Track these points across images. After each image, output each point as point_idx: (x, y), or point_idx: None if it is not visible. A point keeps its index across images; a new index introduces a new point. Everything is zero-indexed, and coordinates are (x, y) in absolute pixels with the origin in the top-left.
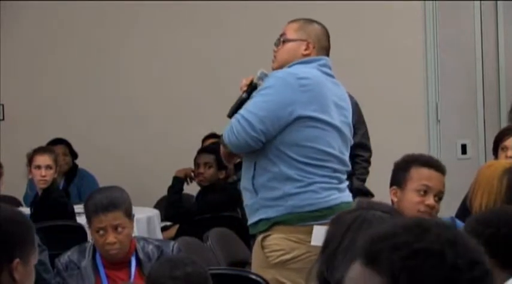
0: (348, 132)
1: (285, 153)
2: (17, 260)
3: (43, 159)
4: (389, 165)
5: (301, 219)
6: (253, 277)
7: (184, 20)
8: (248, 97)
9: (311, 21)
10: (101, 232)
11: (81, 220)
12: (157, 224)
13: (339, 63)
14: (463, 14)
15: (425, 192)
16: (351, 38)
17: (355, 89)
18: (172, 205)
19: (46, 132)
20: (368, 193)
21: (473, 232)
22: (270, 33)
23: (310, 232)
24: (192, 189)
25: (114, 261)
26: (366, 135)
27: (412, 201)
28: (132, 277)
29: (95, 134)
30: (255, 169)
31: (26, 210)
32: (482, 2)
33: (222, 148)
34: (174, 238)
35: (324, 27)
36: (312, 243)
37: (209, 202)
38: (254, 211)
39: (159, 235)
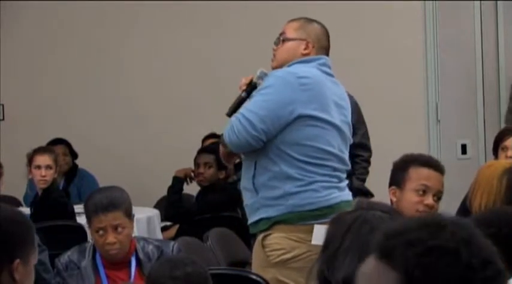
0: (347, 131)
1: (285, 152)
2: (18, 260)
3: (43, 159)
4: (389, 165)
5: (302, 218)
6: (253, 277)
7: (184, 20)
8: (247, 97)
9: (311, 20)
10: (101, 232)
11: (81, 220)
12: (157, 224)
13: (339, 63)
14: (463, 14)
15: (424, 192)
16: (351, 38)
17: (355, 89)
18: (172, 205)
19: (46, 132)
20: (368, 193)
21: None
22: (269, 33)
23: (310, 231)
24: (192, 189)
25: (114, 261)
26: (365, 135)
27: (411, 201)
28: (132, 277)
29: (95, 134)
30: (255, 169)
31: (26, 210)
32: (482, 2)
33: (221, 148)
34: (174, 238)
35: (323, 26)
36: (313, 242)
37: (209, 202)
38: (254, 211)
39: (159, 235)
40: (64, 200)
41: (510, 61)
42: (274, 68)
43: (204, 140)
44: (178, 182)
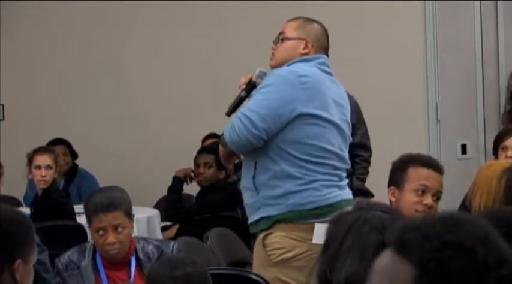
0: (347, 129)
1: (286, 151)
2: (19, 261)
3: (43, 159)
4: (389, 165)
5: (302, 217)
6: (254, 277)
7: (184, 20)
8: (247, 96)
9: (310, 20)
10: (101, 232)
11: (81, 220)
12: (157, 224)
13: (339, 63)
14: (463, 14)
15: (424, 192)
16: (351, 38)
17: (355, 89)
18: (172, 205)
19: (46, 132)
20: (368, 193)
21: None
22: (269, 33)
23: (311, 230)
24: (192, 189)
25: (114, 261)
26: (365, 134)
27: (410, 201)
28: (132, 277)
29: (95, 134)
30: (255, 168)
31: (26, 210)
32: (482, 2)
33: (221, 148)
34: (174, 238)
35: (323, 26)
36: (313, 241)
37: (209, 202)
38: (255, 210)
39: (159, 235)
40: (64, 200)
41: (510, 61)
42: (273, 67)
43: (204, 140)
44: (178, 182)
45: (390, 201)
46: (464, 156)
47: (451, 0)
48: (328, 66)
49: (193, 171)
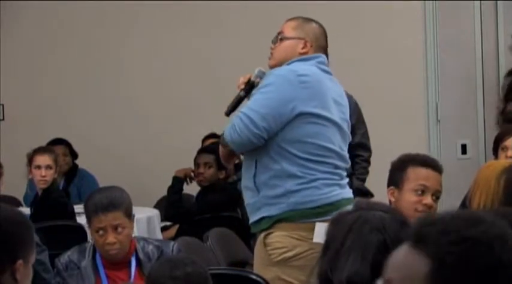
0: (346, 128)
1: (286, 150)
2: (20, 261)
3: (43, 159)
4: (389, 165)
5: (303, 216)
6: (254, 277)
7: (184, 20)
8: (246, 96)
9: (309, 20)
10: (101, 232)
11: (81, 220)
12: (157, 224)
13: (339, 63)
14: (463, 14)
15: (423, 192)
16: (351, 38)
17: (355, 89)
18: (172, 205)
19: (46, 132)
20: (368, 193)
21: None
22: (269, 33)
23: (312, 229)
24: (192, 189)
25: (114, 261)
26: (365, 134)
27: (409, 201)
28: (132, 277)
29: (95, 134)
30: (256, 168)
31: (26, 210)
32: (482, 2)
33: (221, 148)
34: (174, 238)
35: (322, 26)
36: (314, 240)
37: (209, 202)
38: (256, 210)
39: (159, 235)
40: (64, 200)
41: (510, 61)
42: (271, 67)
43: (204, 140)
44: (178, 182)
45: (390, 201)
46: (464, 156)
47: (451, 0)
48: (327, 65)
49: (193, 171)
